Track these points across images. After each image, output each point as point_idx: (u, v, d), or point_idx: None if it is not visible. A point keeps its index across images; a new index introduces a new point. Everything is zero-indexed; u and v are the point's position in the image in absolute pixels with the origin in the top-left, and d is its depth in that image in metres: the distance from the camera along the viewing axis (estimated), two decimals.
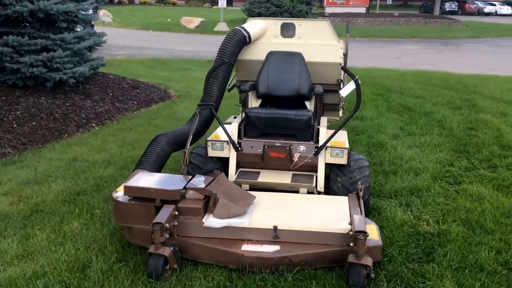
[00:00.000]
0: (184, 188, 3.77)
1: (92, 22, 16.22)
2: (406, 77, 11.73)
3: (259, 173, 4.48)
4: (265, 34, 5.16)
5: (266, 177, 4.36)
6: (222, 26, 25.95)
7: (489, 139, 6.61)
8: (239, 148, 4.45)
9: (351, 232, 3.48)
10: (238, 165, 4.56)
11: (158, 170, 4.44)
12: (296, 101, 4.89)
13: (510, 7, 47.57)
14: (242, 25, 5.04)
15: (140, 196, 3.73)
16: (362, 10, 36.55)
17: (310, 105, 4.95)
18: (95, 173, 5.51)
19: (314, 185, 4.27)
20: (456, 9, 46.88)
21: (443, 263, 3.59)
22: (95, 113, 8.13)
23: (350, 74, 4.19)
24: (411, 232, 4.07)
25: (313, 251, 3.50)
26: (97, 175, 5.45)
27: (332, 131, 4.41)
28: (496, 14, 46.75)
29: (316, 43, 5.09)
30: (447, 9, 45.72)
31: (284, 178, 4.36)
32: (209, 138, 4.48)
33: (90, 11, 9.17)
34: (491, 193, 4.91)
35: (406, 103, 8.64)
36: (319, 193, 4.35)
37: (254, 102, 4.87)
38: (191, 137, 5.01)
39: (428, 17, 34.02)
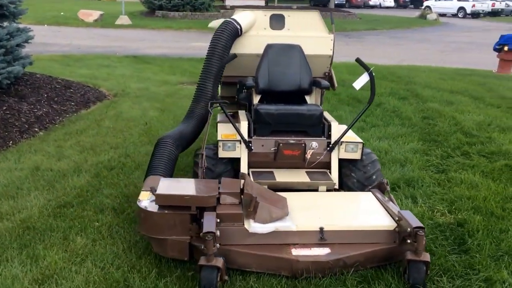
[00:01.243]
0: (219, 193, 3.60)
1: None
2: (339, 68, 12.10)
3: (272, 172, 4.38)
4: (254, 26, 5.05)
5: (283, 176, 4.28)
6: (124, 20, 25.04)
7: (449, 128, 7.02)
8: (252, 147, 4.33)
9: (397, 229, 3.54)
10: (248, 165, 4.44)
11: (171, 174, 4.20)
12: (296, 95, 4.84)
13: (393, 0, 50.95)
14: (232, 17, 4.89)
15: (173, 204, 3.49)
16: (261, 2, 37.06)
17: (310, 99, 4.93)
18: (70, 183, 5.10)
19: (334, 182, 4.27)
20: (344, 1, 49.11)
21: (482, 253, 3.75)
22: (35, 116, 7.50)
23: (365, 66, 4.23)
24: (433, 224, 4.21)
25: (363, 250, 3.49)
26: (74, 185, 5.05)
27: (342, 126, 4.43)
28: (380, 6, 49.73)
29: (306, 35, 5.05)
30: (336, 2, 47.77)
31: (301, 176, 4.31)
32: (219, 138, 4.30)
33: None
34: (481, 180, 5.22)
35: (355, 95, 8.90)
36: (335, 190, 4.35)
37: (255, 98, 4.74)
38: (190, 136, 4.82)
39: (324, 10, 35.25)
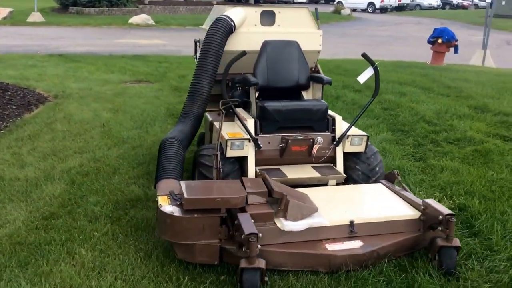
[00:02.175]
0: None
1: None
2: None
3: (280, 169, 4.32)
4: (244, 23, 4.96)
5: (293, 173, 4.23)
6: (37, 17, 23.76)
7: (411, 117, 7.29)
8: (261, 145, 4.24)
9: (422, 217, 3.62)
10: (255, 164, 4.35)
11: (181, 176, 4.03)
12: (294, 91, 4.82)
13: None
14: (225, 14, 4.78)
15: (202, 207, 3.35)
16: None
17: (307, 94, 4.92)
18: (46, 192, 4.77)
19: (343, 175, 4.29)
20: None
21: (494, 234, 3.91)
22: None
23: (370, 61, 4.29)
24: None
25: (393, 241, 3.53)
26: (52, 194, 4.73)
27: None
28: (293, 2, 50.68)
29: (296, 31, 5.04)
30: None
31: (310, 172, 4.28)
32: (227, 137, 4.18)
33: None
34: (460, 166, 5.47)
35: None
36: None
37: (254, 95, 4.64)
38: (190, 137, 4.65)
39: (246, 5, 35.40)
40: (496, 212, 4.28)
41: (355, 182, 4.38)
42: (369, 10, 42.35)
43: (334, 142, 4.39)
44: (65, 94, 9.00)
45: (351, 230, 3.54)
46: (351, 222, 3.54)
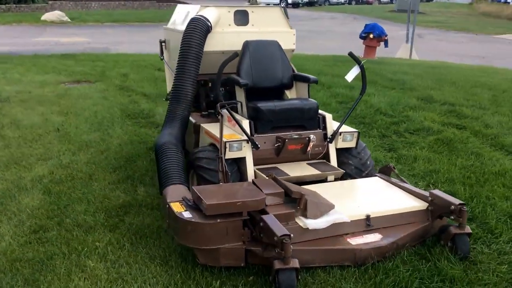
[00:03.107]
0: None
1: None
2: None
3: (278, 168, 4.32)
4: (218, 23, 4.90)
5: (293, 171, 4.24)
6: None
7: (368, 110, 7.54)
8: (259, 146, 4.23)
9: (430, 208, 3.78)
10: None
11: (186, 181, 3.93)
12: (278, 91, 4.84)
13: None
14: (200, 14, 4.70)
15: (225, 212, 3.29)
16: None
17: (290, 93, 4.96)
18: (24, 204, 4.49)
19: (341, 170, 4.37)
20: None
21: (489, 218, 4.15)
22: None
23: (356, 60, 4.39)
24: None
25: (408, 231, 3.66)
26: (30, 205, 4.45)
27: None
28: None
29: (270, 30, 5.05)
30: None
31: (309, 169, 4.32)
32: (225, 139, 4.12)
33: None
34: (431, 155, 5.75)
35: None
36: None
37: (244, 96, 4.59)
38: (181, 140, 4.54)
39: (161, 0, 34.92)
40: (482, 197, 4.54)
41: (349, 176, 4.47)
42: (282, 5, 43.07)
43: (328, 139, 4.45)
44: (2, 98, 8.42)
45: (367, 224, 3.62)
46: (368, 216, 3.62)
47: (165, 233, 3.90)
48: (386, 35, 12.78)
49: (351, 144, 4.53)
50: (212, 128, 4.46)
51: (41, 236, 3.92)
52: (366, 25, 13.13)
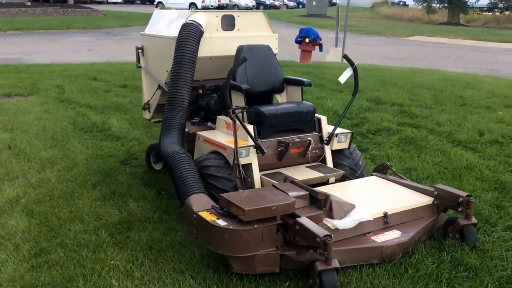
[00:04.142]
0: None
1: None
2: None
3: (281, 173, 4.47)
4: (207, 28, 5.00)
5: (298, 175, 4.40)
6: None
7: (326, 113, 7.83)
8: (265, 151, 4.36)
9: (436, 202, 4.11)
10: None
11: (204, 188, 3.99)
12: (268, 95, 5.00)
13: None
14: (192, 19, 4.76)
15: (261, 217, 3.40)
16: None
17: (281, 97, 5.13)
18: (10, 227, 4.31)
19: (342, 172, 4.60)
20: None
21: (486, 206, 4.59)
22: None
23: (350, 62, 4.66)
24: None
25: (421, 226, 3.95)
26: (19, 228, 4.28)
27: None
28: (107, 2, 49.57)
29: (254, 35, 5.20)
30: None
31: (312, 172, 4.50)
32: (232, 145, 4.21)
33: None
34: (401, 154, 6.17)
35: None
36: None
37: (244, 101, 4.68)
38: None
39: (65, 6, 33.74)
40: (466, 190, 4.95)
41: (345, 177, 4.71)
42: (192, 9, 43.24)
43: (325, 141, 4.67)
44: None
45: (385, 221, 3.87)
46: (385, 214, 3.87)
47: (182, 246, 3.93)
48: (320, 39, 13.33)
49: (345, 145, 4.79)
50: (212, 135, 4.53)
51: (47, 259, 3.80)
52: (301, 29, 13.60)
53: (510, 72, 14.17)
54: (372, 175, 4.71)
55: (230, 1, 48.73)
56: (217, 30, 5.04)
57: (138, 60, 5.46)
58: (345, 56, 4.64)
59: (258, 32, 5.26)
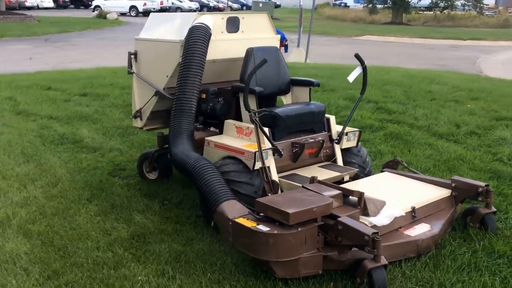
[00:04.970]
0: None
1: None
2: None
3: (298, 174, 4.50)
4: (213, 31, 4.96)
5: (315, 175, 4.44)
6: None
7: None
8: (282, 153, 4.38)
9: (454, 193, 4.26)
10: None
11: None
12: (273, 97, 5.02)
13: (52, 0, 50.10)
14: (200, 21, 4.70)
15: (303, 220, 3.41)
16: None
17: (286, 98, 5.16)
18: (12, 251, 4.07)
19: (355, 170, 4.68)
20: None
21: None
22: None
23: (360, 60, 4.76)
24: None
25: (445, 218, 4.09)
26: (22, 251, 4.07)
27: None
28: (38, 7, 48.08)
29: (258, 37, 5.21)
30: None
31: (326, 172, 4.54)
32: (250, 149, 4.19)
33: None
34: (391, 149, 6.38)
35: None
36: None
37: (256, 104, 4.65)
38: None
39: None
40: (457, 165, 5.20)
41: (355, 175, 4.79)
42: (132, 14, 42.53)
43: (336, 140, 4.74)
44: None
45: (413, 215, 3.97)
46: (413, 208, 3.97)
47: (210, 255, 3.88)
48: (286, 40, 13.42)
49: (353, 143, 4.88)
50: (224, 140, 4.49)
51: (65, 281, 3.64)
52: None
53: (460, 67, 14.86)
54: (383, 171, 4.80)
55: (172, 3, 48.32)
56: (222, 32, 5.00)
57: (130, 65, 5.31)
58: (356, 56, 4.72)
59: (261, 34, 5.27)
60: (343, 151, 4.86)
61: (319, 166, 4.68)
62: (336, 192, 3.75)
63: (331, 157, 4.78)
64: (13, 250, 4.05)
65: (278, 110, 4.46)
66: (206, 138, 4.60)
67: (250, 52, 4.78)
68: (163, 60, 4.91)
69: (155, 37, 5.06)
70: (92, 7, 42.08)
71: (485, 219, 4.09)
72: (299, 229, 3.36)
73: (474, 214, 4.14)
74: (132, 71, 5.26)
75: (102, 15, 36.80)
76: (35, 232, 4.36)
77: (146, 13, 42.86)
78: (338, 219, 3.45)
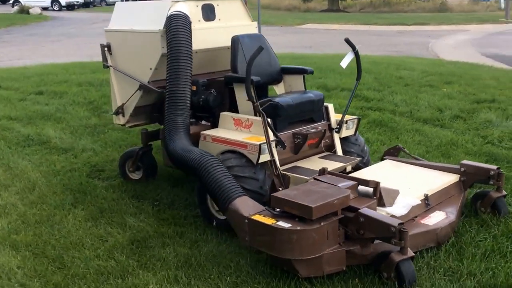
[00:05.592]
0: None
1: None
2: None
3: (300, 166, 4.43)
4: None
5: (317, 166, 4.35)
6: None
7: None
8: (286, 145, 4.30)
9: (462, 178, 4.30)
10: None
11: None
12: (265, 86, 4.94)
13: None
14: (177, 10, 4.55)
15: (324, 213, 3.35)
16: None
17: (278, 88, 5.08)
18: (10, 268, 3.89)
19: (358, 159, 4.65)
20: None
21: None
22: None
23: (352, 45, 4.73)
24: None
25: (458, 203, 4.12)
26: (13, 265, 3.86)
27: None
28: None
29: (236, 24, 5.12)
30: None
31: (329, 163, 4.46)
32: (257, 142, 4.10)
33: None
34: (380, 137, 6.43)
35: None
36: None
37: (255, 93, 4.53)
38: None
39: None
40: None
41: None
42: (55, 8, 41.22)
43: (335, 129, 4.70)
44: None
45: (427, 203, 3.98)
46: (426, 196, 3.98)
47: (221, 257, 3.78)
48: None
49: (352, 132, 4.85)
50: (223, 133, 4.38)
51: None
52: None
53: (415, 52, 15.10)
54: (384, 159, 4.79)
55: None
56: (199, 21, 4.87)
57: (105, 59, 5.10)
58: (346, 40, 4.68)
59: (239, 21, 5.18)
60: (342, 139, 4.82)
61: (319, 157, 4.63)
62: (351, 183, 3.70)
63: (331, 147, 4.74)
64: (4, 264, 3.85)
65: (278, 100, 4.38)
66: (201, 132, 4.47)
67: (236, 40, 4.69)
68: (143, 52, 4.74)
69: (129, 27, 4.87)
70: (11, 1, 40.31)
71: (497, 203, 4.14)
72: (322, 224, 3.29)
73: (485, 199, 4.19)
74: (108, 65, 5.06)
75: (24, 10, 35.48)
76: (22, 243, 4.15)
77: (69, 7, 41.76)
78: (359, 211, 3.40)
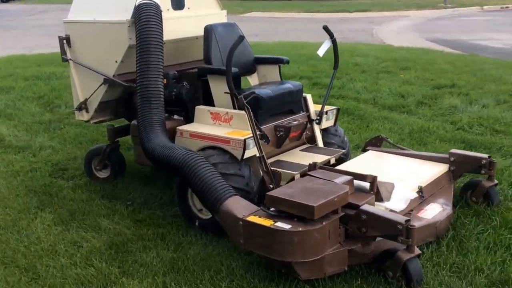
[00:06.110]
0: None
1: None
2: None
3: (284, 161, 4.17)
4: None
5: (302, 160, 4.13)
6: None
7: None
8: (269, 139, 4.02)
9: (452, 168, 4.13)
10: None
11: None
12: (240, 77, 4.64)
13: None
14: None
15: (326, 212, 3.09)
16: None
17: (252, 78, 4.79)
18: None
19: (342, 150, 4.42)
20: None
21: None
22: None
23: (329, 33, 4.49)
24: None
25: (449, 194, 3.95)
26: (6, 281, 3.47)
27: None
28: None
29: (206, 13, 4.86)
30: None
31: (313, 156, 4.21)
32: (241, 137, 3.80)
33: None
34: (352, 126, 6.23)
35: None
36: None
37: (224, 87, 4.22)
38: None
39: None
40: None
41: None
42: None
43: (316, 120, 4.46)
44: None
45: (421, 196, 3.78)
46: (420, 188, 3.78)
47: (211, 260, 3.48)
48: None
49: (331, 122, 4.63)
50: (201, 128, 4.06)
51: None
52: None
53: (361, 38, 15.00)
54: (367, 150, 4.58)
55: None
56: (168, 10, 4.56)
57: (64, 52, 4.66)
58: (325, 28, 4.45)
59: (208, 10, 4.95)
60: (321, 131, 4.58)
61: (301, 150, 4.38)
62: (348, 178, 3.45)
63: (312, 139, 4.49)
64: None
65: (258, 91, 4.08)
66: (178, 127, 4.13)
67: (209, 29, 4.39)
68: (107, 44, 4.37)
69: (91, 18, 4.46)
70: None
71: (489, 193, 3.99)
72: (324, 223, 3.03)
73: (476, 189, 4.03)
74: (67, 58, 4.64)
75: None
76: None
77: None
78: (361, 208, 3.16)
